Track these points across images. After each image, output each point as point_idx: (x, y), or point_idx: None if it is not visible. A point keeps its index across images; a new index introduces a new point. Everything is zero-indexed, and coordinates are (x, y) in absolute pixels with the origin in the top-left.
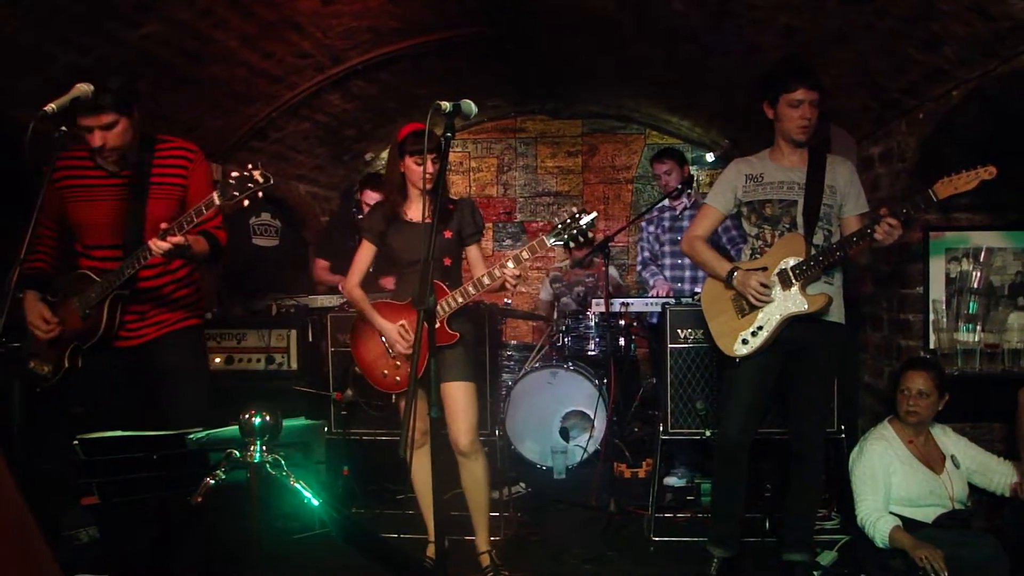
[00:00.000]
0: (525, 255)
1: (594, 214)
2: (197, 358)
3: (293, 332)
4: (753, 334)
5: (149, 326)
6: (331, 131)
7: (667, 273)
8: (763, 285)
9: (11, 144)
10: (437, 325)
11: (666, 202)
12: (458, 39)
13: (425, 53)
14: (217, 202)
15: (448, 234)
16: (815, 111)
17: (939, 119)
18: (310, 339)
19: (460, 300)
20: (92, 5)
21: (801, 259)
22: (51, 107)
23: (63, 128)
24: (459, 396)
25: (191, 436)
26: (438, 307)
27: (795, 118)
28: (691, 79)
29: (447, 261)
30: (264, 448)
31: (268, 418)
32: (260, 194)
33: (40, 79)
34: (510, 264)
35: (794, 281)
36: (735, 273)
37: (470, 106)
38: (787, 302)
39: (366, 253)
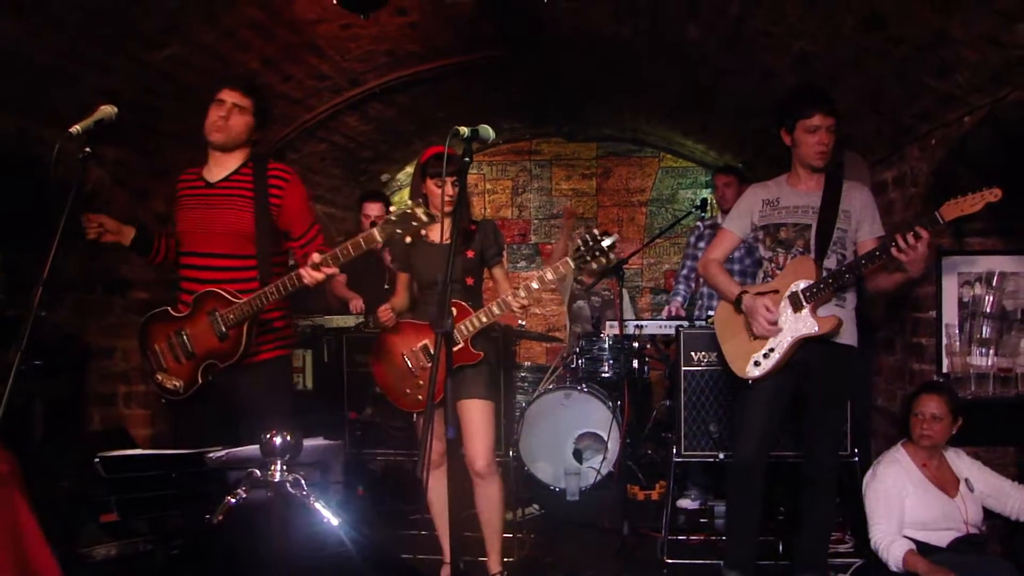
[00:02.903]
0: (549, 275)
1: (615, 236)
2: (283, 391)
3: (308, 352)
4: (765, 356)
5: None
6: (348, 152)
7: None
8: (768, 318)
9: (37, 163)
10: (461, 345)
11: (720, 219)
12: (475, 62)
13: (442, 76)
14: (379, 239)
15: (470, 254)
16: (832, 137)
17: (951, 144)
18: (325, 359)
19: (484, 320)
20: (117, 26)
21: (812, 282)
22: (76, 128)
23: (87, 149)
24: (476, 415)
25: (210, 455)
26: (462, 327)
27: (812, 143)
28: (706, 103)
29: (469, 281)
30: (285, 468)
31: (289, 438)
32: (423, 232)
33: (65, 100)
34: (534, 284)
35: (804, 303)
36: (744, 297)
37: (488, 131)
38: (798, 324)
39: (403, 281)
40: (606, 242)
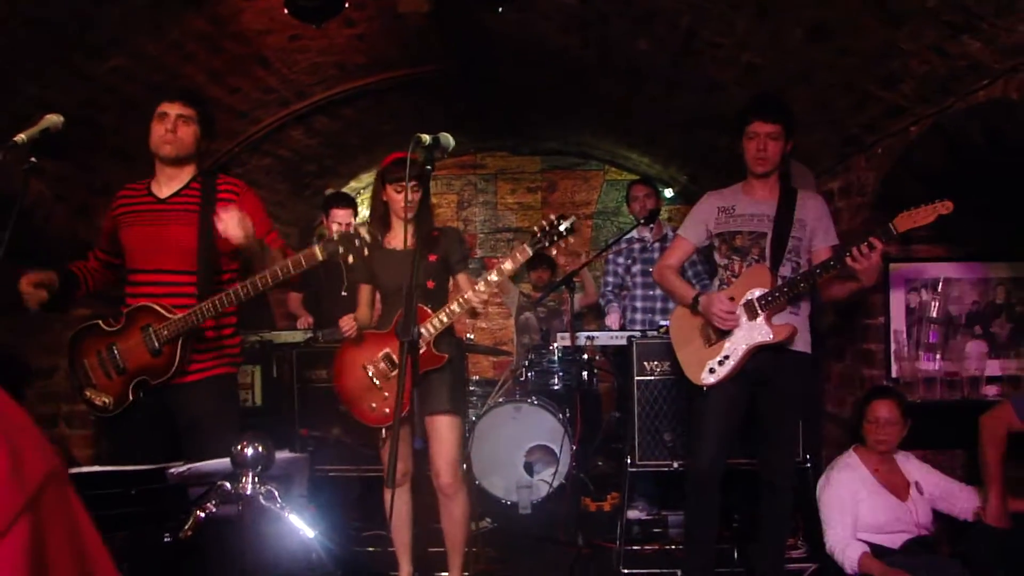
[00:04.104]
0: (508, 265)
1: (572, 218)
2: (230, 410)
3: (257, 368)
4: (720, 363)
5: (191, 366)
6: (292, 166)
7: (639, 304)
8: (726, 309)
9: None
10: (424, 349)
11: (635, 233)
12: (422, 75)
13: (389, 88)
14: (320, 258)
15: (432, 258)
16: (774, 144)
17: (898, 154)
18: (275, 375)
19: (445, 320)
20: (57, 37)
21: (766, 290)
22: (20, 137)
23: (33, 159)
24: (443, 430)
25: (171, 470)
26: (423, 329)
27: (750, 149)
28: (653, 116)
29: (430, 284)
30: (257, 480)
31: (261, 449)
32: (366, 251)
33: (4, 112)
34: (493, 276)
35: (759, 312)
36: (700, 298)
37: (448, 139)
38: (753, 332)
39: (365, 293)
40: (564, 225)
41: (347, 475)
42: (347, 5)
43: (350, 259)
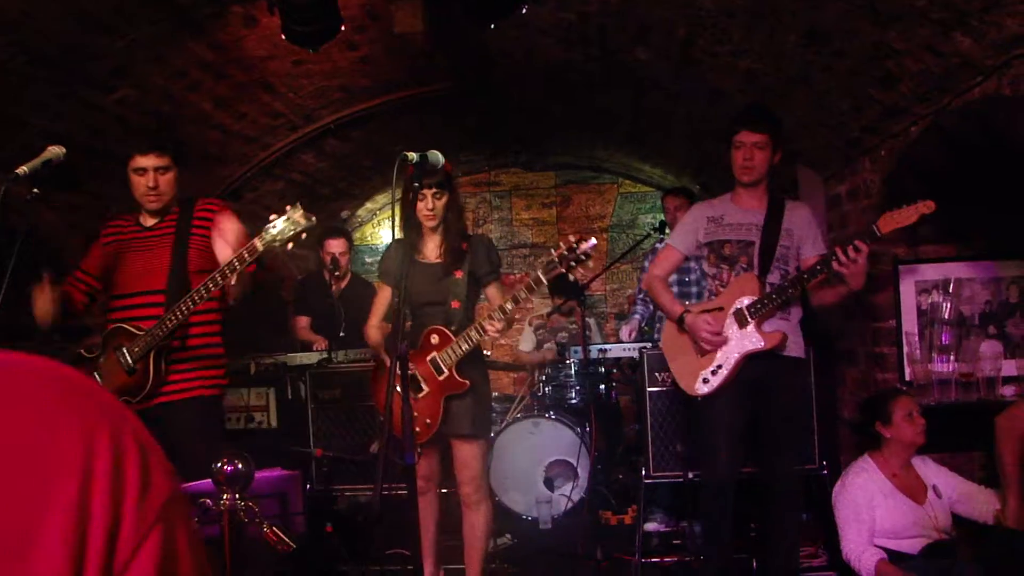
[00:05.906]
0: (523, 294)
1: (593, 240)
2: (212, 431)
3: (272, 390)
4: (713, 372)
5: (172, 386)
6: (306, 190)
7: None
8: (711, 331)
9: None
10: (446, 374)
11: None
12: (429, 95)
13: (397, 110)
14: (259, 247)
15: (458, 275)
16: (761, 153)
17: (900, 155)
18: (289, 396)
19: (465, 347)
20: (64, 70)
21: (755, 298)
22: (23, 169)
23: (35, 190)
24: (465, 453)
25: None
26: (444, 355)
27: (737, 159)
28: (659, 127)
29: (455, 304)
30: (237, 496)
31: (240, 466)
32: (304, 235)
33: (12, 145)
34: (508, 305)
35: (749, 319)
36: (686, 316)
37: (437, 156)
38: (744, 340)
39: (383, 295)
40: (585, 246)
41: (366, 494)
42: (344, 28)
43: (289, 246)
